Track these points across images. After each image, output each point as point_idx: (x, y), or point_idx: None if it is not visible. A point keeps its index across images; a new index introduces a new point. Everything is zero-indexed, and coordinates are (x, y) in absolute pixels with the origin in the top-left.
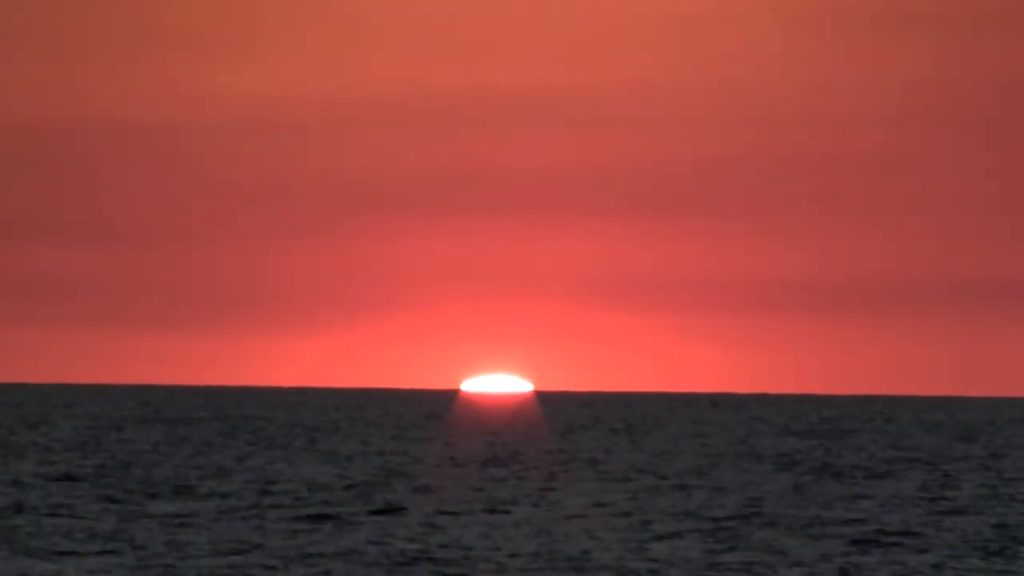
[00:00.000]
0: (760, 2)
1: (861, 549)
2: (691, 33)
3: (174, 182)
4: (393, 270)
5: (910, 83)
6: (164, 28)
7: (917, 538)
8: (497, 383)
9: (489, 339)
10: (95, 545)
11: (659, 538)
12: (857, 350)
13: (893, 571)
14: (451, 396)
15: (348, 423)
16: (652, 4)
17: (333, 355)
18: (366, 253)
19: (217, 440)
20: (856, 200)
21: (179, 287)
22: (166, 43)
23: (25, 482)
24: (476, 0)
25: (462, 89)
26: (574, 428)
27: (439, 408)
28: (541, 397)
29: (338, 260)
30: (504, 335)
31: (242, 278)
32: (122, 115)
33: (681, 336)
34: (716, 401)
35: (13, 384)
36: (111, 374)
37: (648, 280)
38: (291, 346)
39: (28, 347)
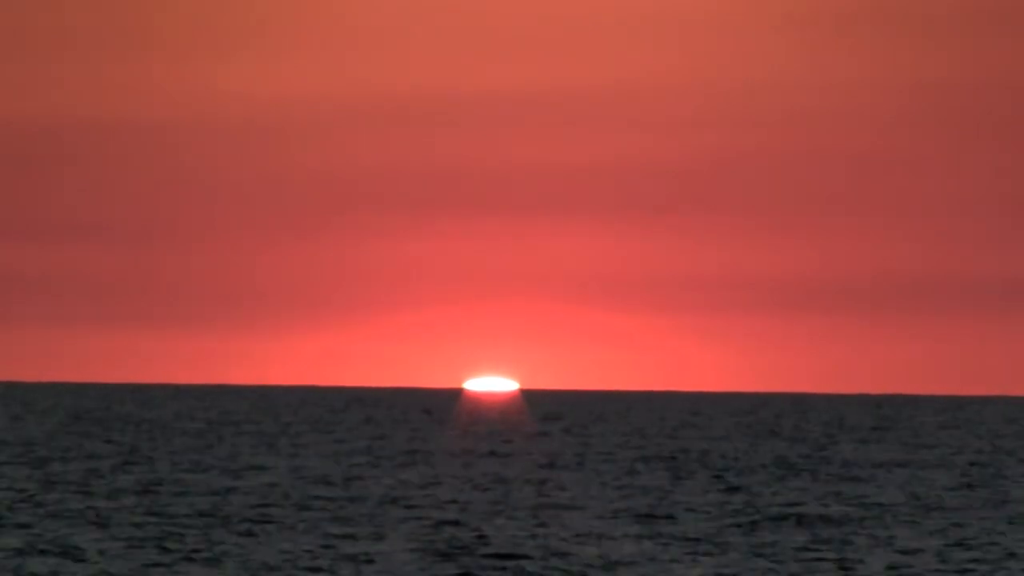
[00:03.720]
0: (761, 2)
1: None
2: (692, 33)
3: (174, 182)
4: (393, 270)
5: (914, 85)
6: (158, 29)
7: None
8: (497, 384)
9: (489, 339)
10: None
11: None
12: (858, 350)
13: None
14: (454, 395)
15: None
16: (654, 3)
17: (332, 354)
18: (362, 253)
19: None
20: (857, 200)
21: (181, 286)
22: (161, 44)
23: None
24: (474, 0)
25: (458, 88)
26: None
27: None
28: (531, 396)
29: (334, 260)
30: (503, 336)
31: (240, 277)
32: (116, 115)
33: (683, 336)
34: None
35: (8, 383)
36: (113, 374)
37: (648, 280)
38: (287, 345)
39: (20, 346)
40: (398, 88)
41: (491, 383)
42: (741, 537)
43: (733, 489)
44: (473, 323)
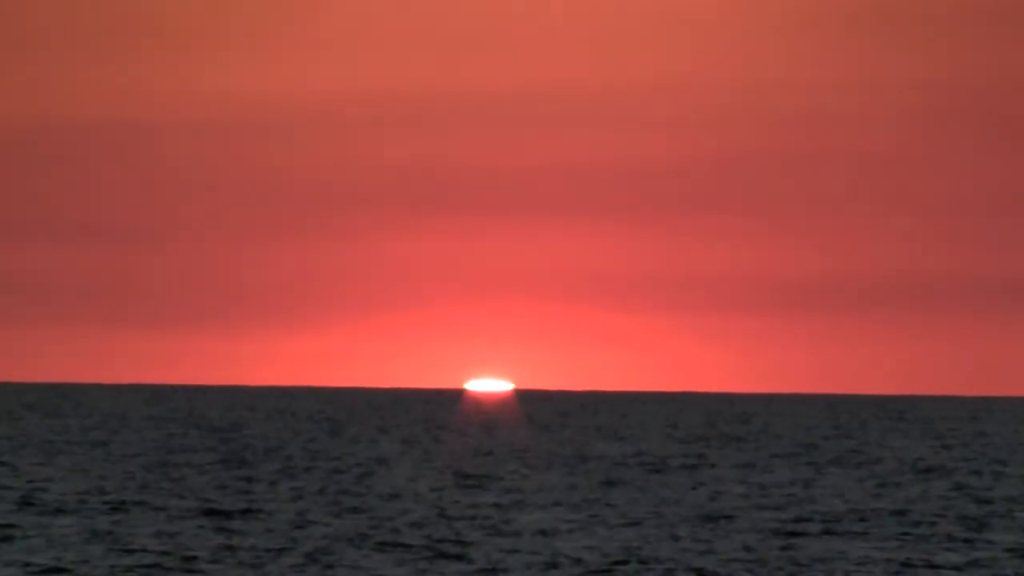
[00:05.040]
0: (763, 2)
1: None
2: (693, 33)
3: (175, 183)
4: (392, 270)
5: (915, 85)
6: (152, 28)
7: None
8: (497, 384)
9: (488, 340)
10: None
11: None
12: (858, 350)
13: None
14: (456, 396)
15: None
16: (655, 3)
17: (332, 354)
18: (362, 253)
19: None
20: (857, 200)
21: (179, 287)
22: (150, 43)
23: None
24: (475, 0)
25: (459, 88)
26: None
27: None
28: (525, 396)
29: (333, 260)
30: (502, 336)
31: (238, 278)
32: (114, 116)
33: (683, 336)
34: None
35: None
36: (112, 374)
37: (648, 280)
38: (286, 346)
39: (18, 345)
40: (397, 87)
41: (491, 384)
42: None
43: None
44: (472, 323)
